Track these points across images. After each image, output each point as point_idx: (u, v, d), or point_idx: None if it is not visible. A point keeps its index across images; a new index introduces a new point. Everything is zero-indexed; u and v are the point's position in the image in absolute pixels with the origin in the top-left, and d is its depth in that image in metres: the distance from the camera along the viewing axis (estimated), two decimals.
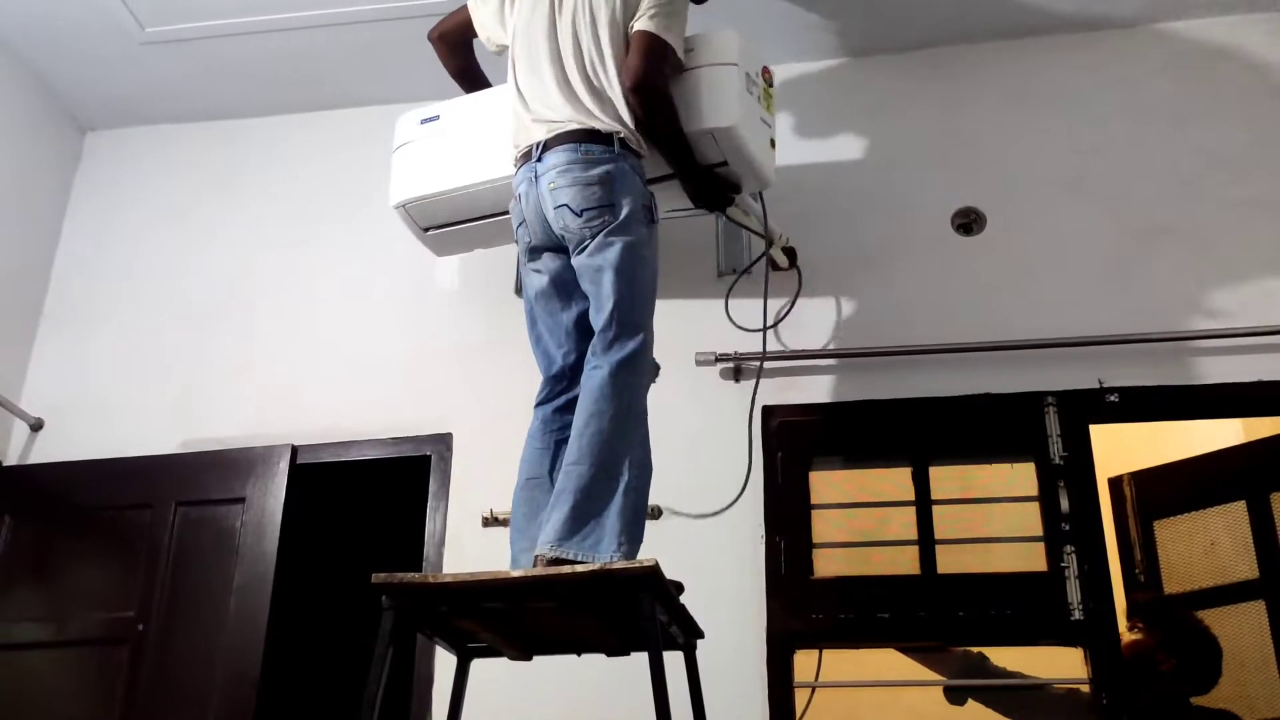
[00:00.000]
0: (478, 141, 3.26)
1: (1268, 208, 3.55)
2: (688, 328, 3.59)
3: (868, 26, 3.90)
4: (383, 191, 4.06)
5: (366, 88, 4.19)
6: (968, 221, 3.72)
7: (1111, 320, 3.47)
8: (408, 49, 3.98)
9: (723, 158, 3.07)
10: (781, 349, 3.58)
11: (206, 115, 4.35)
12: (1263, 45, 3.78)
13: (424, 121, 3.41)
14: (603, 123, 2.81)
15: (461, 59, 3.41)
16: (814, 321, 3.61)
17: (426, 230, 3.45)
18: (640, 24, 2.87)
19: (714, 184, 3.13)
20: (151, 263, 4.17)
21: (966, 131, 3.84)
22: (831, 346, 3.56)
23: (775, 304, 3.63)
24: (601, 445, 2.57)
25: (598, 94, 2.85)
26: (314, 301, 3.99)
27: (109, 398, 3.97)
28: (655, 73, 2.85)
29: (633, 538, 2.56)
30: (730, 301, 3.63)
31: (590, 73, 2.88)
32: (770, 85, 3.23)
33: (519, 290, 3.72)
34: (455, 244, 3.55)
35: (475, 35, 3.29)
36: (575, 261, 2.80)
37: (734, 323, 3.58)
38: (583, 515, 2.52)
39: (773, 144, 3.19)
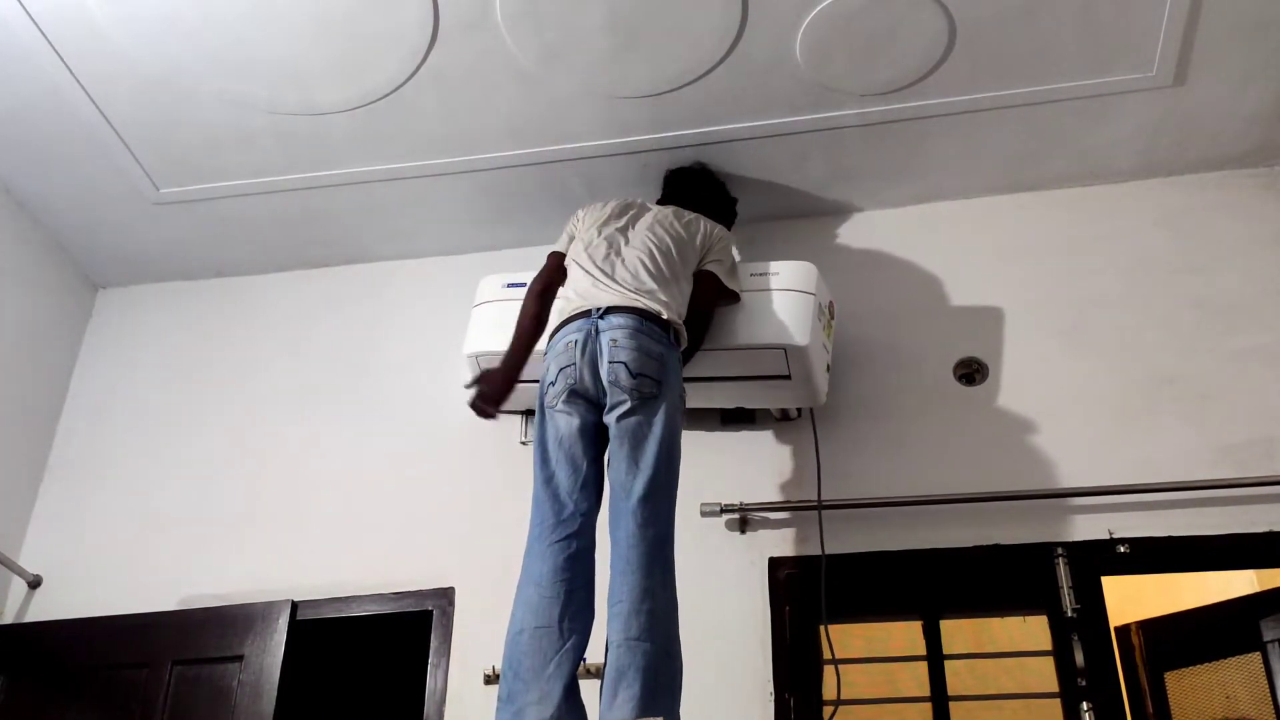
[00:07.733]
0: (557, 310, 3.31)
1: (1267, 357, 3.57)
2: (692, 478, 3.56)
3: (865, 183, 3.99)
4: (386, 346, 4.13)
5: (372, 245, 4.27)
6: (970, 372, 3.73)
7: (1118, 470, 3.45)
8: (413, 207, 4.07)
9: (786, 373, 3.34)
10: (785, 500, 3.56)
11: (216, 272, 4.42)
12: (1255, 198, 3.85)
13: (509, 285, 3.58)
14: (670, 312, 3.09)
15: (547, 309, 3.32)
16: (820, 472, 3.59)
17: None
18: (710, 267, 3.32)
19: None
20: (156, 418, 4.17)
21: (966, 282, 3.89)
22: (836, 498, 3.53)
23: (780, 458, 3.65)
24: (657, 623, 2.71)
25: (668, 288, 3.14)
26: (316, 455, 3.98)
27: (109, 554, 3.91)
28: (712, 304, 3.32)
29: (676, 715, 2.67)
30: (734, 452, 3.63)
31: (666, 269, 3.19)
32: (833, 317, 3.54)
33: (525, 440, 3.74)
34: (508, 401, 3.57)
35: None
36: (608, 417, 2.94)
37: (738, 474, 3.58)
38: (653, 694, 2.60)
39: (828, 368, 3.48)
